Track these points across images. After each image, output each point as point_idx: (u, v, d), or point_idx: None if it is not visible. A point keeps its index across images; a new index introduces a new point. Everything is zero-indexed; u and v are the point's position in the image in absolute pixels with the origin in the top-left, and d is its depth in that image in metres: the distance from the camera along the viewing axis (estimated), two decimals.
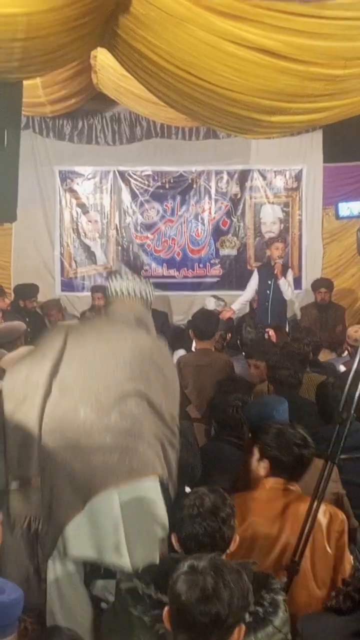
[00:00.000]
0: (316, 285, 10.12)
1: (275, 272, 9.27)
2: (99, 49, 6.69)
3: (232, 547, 3.08)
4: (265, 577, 2.92)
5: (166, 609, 2.39)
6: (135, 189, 11.28)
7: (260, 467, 3.86)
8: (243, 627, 2.39)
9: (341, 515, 3.81)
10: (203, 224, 11.37)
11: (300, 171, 11.21)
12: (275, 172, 11.29)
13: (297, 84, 5.37)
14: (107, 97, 9.61)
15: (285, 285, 9.33)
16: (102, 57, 7.98)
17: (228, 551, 3.06)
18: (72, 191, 11.32)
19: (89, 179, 11.32)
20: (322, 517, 3.73)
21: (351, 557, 3.76)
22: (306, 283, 10.90)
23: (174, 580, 2.37)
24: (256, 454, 3.90)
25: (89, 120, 10.95)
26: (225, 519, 3.01)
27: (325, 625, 2.86)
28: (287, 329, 9.19)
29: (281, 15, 4.68)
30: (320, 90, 5.51)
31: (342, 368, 7.02)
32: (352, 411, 3.95)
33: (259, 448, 3.87)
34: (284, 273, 9.38)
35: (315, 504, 3.70)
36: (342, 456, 3.94)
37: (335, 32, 4.85)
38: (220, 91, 5.55)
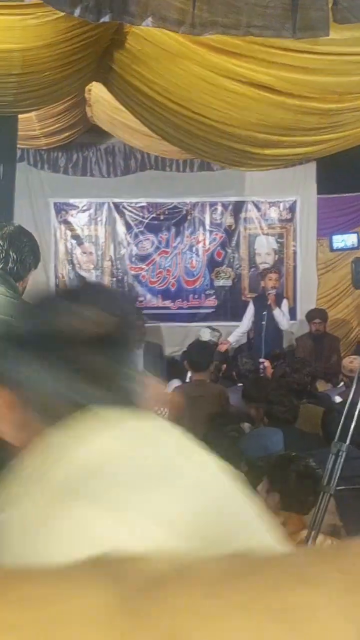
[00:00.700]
0: (310, 315, 10.14)
1: (269, 302, 9.31)
2: (93, 82, 6.74)
3: None
4: None
5: None
6: (130, 221, 11.31)
7: (269, 499, 3.83)
8: None
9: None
10: (198, 255, 11.38)
11: (294, 202, 11.25)
12: (269, 203, 11.32)
13: (292, 118, 5.41)
14: (101, 129, 9.67)
15: (280, 315, 9.37)
16: (97, 91, 8.03)
17: None
18: (66, 223, 11.33)
19: (84, 211, 11.34)
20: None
21: None
22: (301, 314, 10.88)
23: None
24: (266, 486, 3.86)
25: (83, 153, 11.00)
26: None
27: None
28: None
29: (275, 51, 4.73)
30: (314, 124, 5.54)
31: (338, 399, 7.01)
32: (348, 441, 3.95)
33: (268, 480, 3.84)
34: (278, 303, 9.43)
35: (312, 535, 3.69)
36: (339, 487, 3.94)
37: (328, 67, 4.89)
38: (216, 125, 5.59)
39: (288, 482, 3.77)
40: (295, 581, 0.48)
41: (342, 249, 4.14)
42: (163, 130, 6.37)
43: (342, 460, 3.95)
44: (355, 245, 3.82)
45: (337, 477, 3.92)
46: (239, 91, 5.13)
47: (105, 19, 3.61)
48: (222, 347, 9.27)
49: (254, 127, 5.58)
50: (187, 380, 7.56)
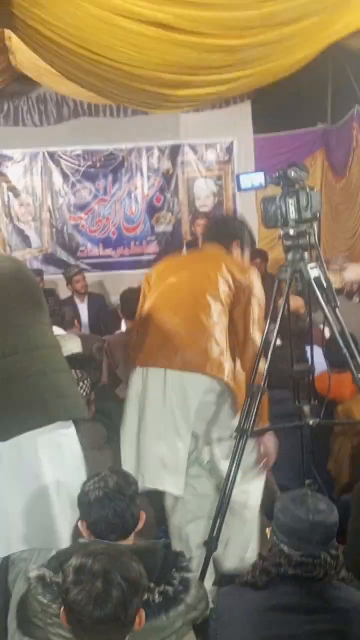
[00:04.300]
0: (251, 256, 10.09)
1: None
2: None
3: (140, 525, 3.04)
4: (175, 556, 2.90)
5: (62, 609, 2.36)
6: (66, 170, 11.14)
7: None
8: (142, 612, 2.37)
9: None
10: (136, 201, 11.28)
11: (231, 144, 11.15)
12: (206, 145, 11.21)
13: (196, 56, 5.32)
14: (30, 78, 9.46)
15: None
16: (17, 38, 7.82)
17: (137, 529, 3.02)
18: (2, 175, 11.14)
19: (19, 162, 11.14)
20: None
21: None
22: None
23: (64, 578, 2.33)
24: None
25: (14, 102, 10.78)
26: (132, 497, 2.98)
27: (240, 600, 2.84)
28: None
29: None
30: (219, 62, 5.46)
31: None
32: (264, 384, 3.93)
33: None
34: None
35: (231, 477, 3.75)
36: (255, 429, 3.95)
37: (225, 2, 4.80)
38: (121, 67, 5.49)
39: None
40: None
41: (249, 189, 4.08)
42: (74, 74, 6.23)
43: (258, 402, 3.94)
44: (263, 184, 3.79)
45: (253, 419, 3.92)
46: (139, 31, 5.02)
47: None
48: None
49: (158, 68, 5.49)
50: (122, 328, 7.52)
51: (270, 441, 4.14)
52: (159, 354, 4.06)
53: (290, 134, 11.04)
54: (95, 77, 5.93)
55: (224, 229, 4.55)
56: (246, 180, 4.34)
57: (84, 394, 4.28)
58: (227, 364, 4.00)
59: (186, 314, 4.07)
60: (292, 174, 4.05)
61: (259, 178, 4.28)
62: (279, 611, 2.75)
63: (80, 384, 4.32)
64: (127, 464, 4.12)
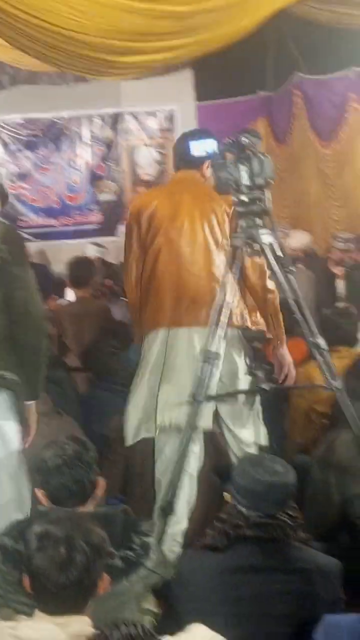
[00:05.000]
0: None
1: None
2: None
3: (99, 491, 3.06)
4: (134, 521, 2.94)
5: (24, 577, 2.37)
6: (6, 139, 10.99)
7: None
8: (105, 576, 2.39)
9: None
10: (79, 170, 11.18)
11: (172, 111, 11.09)
12: (147, 113, 11.14)
13: (144, 23, 5.30)
14: None
15: None
16: None
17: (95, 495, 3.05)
18: None
19: None
20: None
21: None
22: None
23: (27, 545, 2.34)
24: None
25: None
26: (90, 464, 3.00)
27: (201, 563, 2.90)
28: None
29: None
30: (168, 28, 5.46)
31: None
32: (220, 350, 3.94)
33: None
34: None
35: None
36: (211, 395, 3.96)
37: None
38: (68, 33, 5.43)
39: None
40: None
41: (203, 157, 4.05)
42: (18, 41, 6.11)
43: (212, 367, 3.95)
44: (217, 151, 3.75)
45: (206, 387, 3.93)
46: None
47: None
48: None
49: (107, 34, 5.45)
50: (70, 297, 7.52)
51: (285, 351, 4.26)
52: (185, 313, 4.09)
53: (232, 101, 11.00)
54: (40, 44, 5.84)
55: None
56: (198, 147, 4.27)
57: None
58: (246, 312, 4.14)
59: (200, 271, 4.11)
60: (245, 140, 4.01)
61: (211, 144, 4.23)
62: (240, 573, 2.80)
63: None
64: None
